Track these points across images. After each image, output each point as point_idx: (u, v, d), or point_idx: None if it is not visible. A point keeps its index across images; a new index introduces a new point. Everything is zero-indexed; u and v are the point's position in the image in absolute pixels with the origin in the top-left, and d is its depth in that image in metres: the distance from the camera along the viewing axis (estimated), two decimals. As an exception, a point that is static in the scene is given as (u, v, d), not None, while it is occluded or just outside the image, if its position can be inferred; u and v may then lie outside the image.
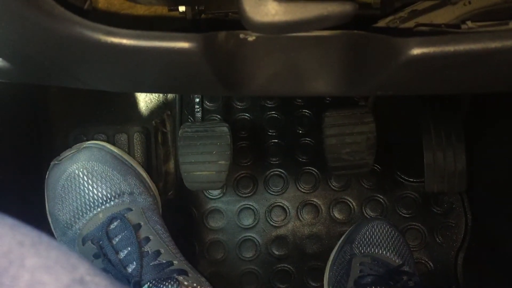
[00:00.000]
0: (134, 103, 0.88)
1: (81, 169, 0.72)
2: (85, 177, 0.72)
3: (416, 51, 0.36)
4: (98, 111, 0.87)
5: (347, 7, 0.33)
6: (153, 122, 0.88)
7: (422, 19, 0.44)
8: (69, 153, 0.74)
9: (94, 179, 0.72)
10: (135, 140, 0.86)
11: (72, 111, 0.87)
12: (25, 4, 0.35)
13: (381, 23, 0.46)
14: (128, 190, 0.73)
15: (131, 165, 0.78)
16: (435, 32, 0.43)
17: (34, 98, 0.84)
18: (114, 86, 0.51)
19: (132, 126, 0.86)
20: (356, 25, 0.40)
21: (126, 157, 0.78)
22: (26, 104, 0.82)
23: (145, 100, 0.88)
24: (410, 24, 0.45)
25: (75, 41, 0.37)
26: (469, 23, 0.41)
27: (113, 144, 0.84)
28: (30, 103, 0.83)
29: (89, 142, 0.76)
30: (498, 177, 0.84)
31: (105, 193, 0.71)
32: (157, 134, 0.88)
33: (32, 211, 0.75)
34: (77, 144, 0.76)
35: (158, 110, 0.89)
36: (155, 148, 0.88)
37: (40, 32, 0.37)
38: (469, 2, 0.43)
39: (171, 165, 0.91)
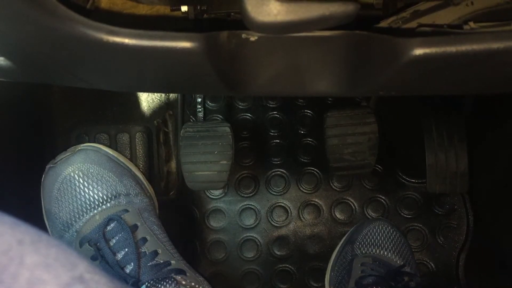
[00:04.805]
0: (136, 103, 0.88)
1: (77, 172, 0.72)
2: (80, 180, 0.72)
3: (418, 51, 0.36)
4: (100, 111, 0.87)
5: (349, 7, 0.33)
6: (155, 122, 0.88)
7: (425, 19, 0.44)
8: (64, 155, 0.74)
9: (90, 181, 0.72)
10: (137, 140, 0.86)
11: (74, 110, 0.87)
12: (28, 3, 0.35)
13: (383, 24, 0.45)
14: (124, 192, 0.73)
15: (127, 166, 0.78)
16: (438, 33, 0.43)
17: (36, 98, 0.84)
18: (116, 86, 0.51)
19: (134, 125, 0.86)
20: (358, 25, 0.39)
21: (121, 158, 0.78)
22: (28, 103, 0.82)
23: (147, 100, 0.88)
24: (413, 24, 0.45)
25: (77, 40, 0.37)
26: (472, 24, 0.41)
27: (115, 143, 0.85)
28: (32, 102, 0.83)
29: (84, 144, 0.76)
30: (500, 178, 0.83)
31: (101, 195, 0.71)
32: (159, 134, 0.88)
33: (33, 210, 0.75)
34: (72, 147, 0.76)
35: (160, 110, 0.89)
36: (157, 147, 0.88)
37: (43, 31, 0.37)
38: (472, 3, 0.43)
39: (173, 165, 0.91)
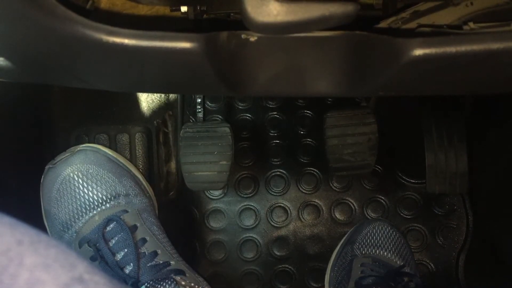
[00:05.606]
0: (136, 103, 0.88)
1: (76, 172, 0.72)
2: (80, 180, 0.72)
3: (418, 52, 0.36)
4: (100, 111, 0.87)
5: (349, 8, 0.33)
6: (154, 122, 0.88)
7: (424, 20, 0.44)
8: (64, 156, 0.74)
9: (89, 182, 0.72)
10: (136, 140, 0.86)
11: (74, 111, 0.87)
12: (27, 3, 0.35)
13: (383, 24, 0.45)
14: (123, 192, 0.73)
15: (126, 167, 0.78)
16: (437, 33, 0.43)
17: (36, 98, 0.84)
18: (116, 86, 0.51)
19: (133, 126, 0.86)
20: (358, 25, 0.39)
21: (120, 159, 0.78)
22: (27, 104, 0.82)
23: (147, 100, 0.88)
24: (412, 25, 0.45)
25: (77, 41, 0.37)
26: (471, 24, 0.41)
27: (115, 144, 0.84)
28: (31, 103, 0.83)
29: (83, 145, 0.76)
30: (500, 179, 0.83)
31: (100, 195, 0.71)
32: (158, 134, 0.88)
33: (33, 211, 0.75)
34: (72, 148, 0.76)
35: (159, 110, 0.89)
36: (156, 148, 0.88)
37: (42, 31, 0.37)
38: (471, 3, 0.43)
39: (173, 165, 0.91)
